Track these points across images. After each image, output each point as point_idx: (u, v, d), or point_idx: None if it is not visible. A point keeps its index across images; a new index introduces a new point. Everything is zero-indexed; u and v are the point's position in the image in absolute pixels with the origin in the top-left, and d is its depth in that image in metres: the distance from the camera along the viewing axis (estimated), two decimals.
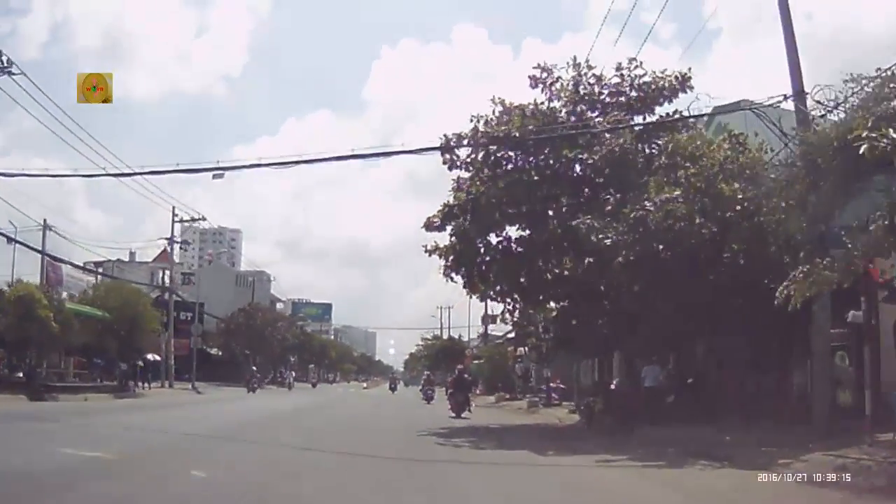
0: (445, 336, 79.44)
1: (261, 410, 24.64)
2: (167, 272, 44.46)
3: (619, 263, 15.21)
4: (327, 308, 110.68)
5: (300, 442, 13.68)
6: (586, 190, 18.59)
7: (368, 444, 13.73)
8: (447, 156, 19.02)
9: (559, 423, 22.23)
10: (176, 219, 41.06)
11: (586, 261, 17.33)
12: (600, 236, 15.36)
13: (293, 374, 65.42)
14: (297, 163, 17.45)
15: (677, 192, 14.50)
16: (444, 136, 18.66)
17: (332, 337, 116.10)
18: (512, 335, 37.98)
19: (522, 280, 20.07)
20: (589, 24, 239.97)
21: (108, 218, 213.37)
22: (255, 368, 56.11)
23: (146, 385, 35.72)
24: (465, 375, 28.15)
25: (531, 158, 18.64)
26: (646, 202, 14.71)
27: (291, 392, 48.42)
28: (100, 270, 45.29)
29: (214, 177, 36.55)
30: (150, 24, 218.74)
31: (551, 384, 32.15)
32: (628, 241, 14.80)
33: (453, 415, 23.91)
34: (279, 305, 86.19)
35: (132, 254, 62.74)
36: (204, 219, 42.32)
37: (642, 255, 14.69)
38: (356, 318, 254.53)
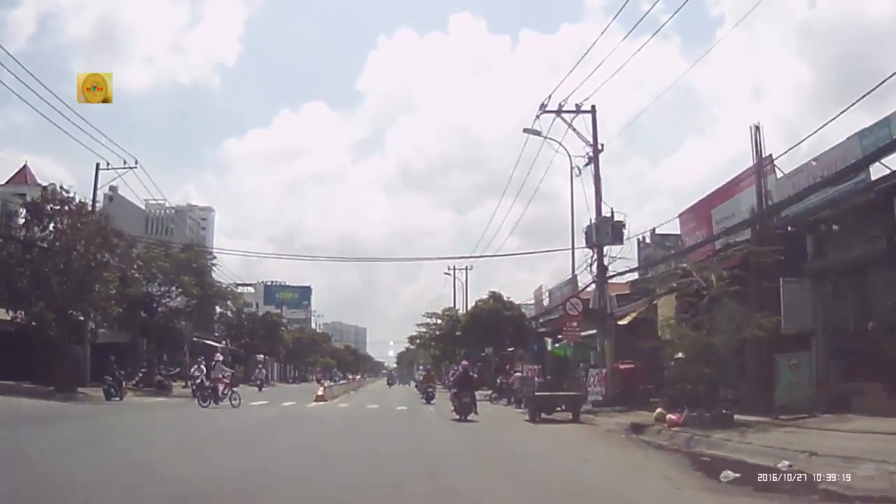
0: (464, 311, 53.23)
1: None
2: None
3: None
4: (306, 292, 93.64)
5: None
6: None
7: None
8: None
9: None
10: None
11: None
12: None
13: (164, 368, 37.25)
14: None
15: None
16: None
17: (314, 326, 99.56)
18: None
19: None
20: (587, 14, 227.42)
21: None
22: (221, 358, 26.82)
23: None
24: (471, 373, 24.36)
25: None
26: None
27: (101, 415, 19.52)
28: None
29: None
30: (141, 14, 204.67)
31: None
32: None
33: (457, 416, 20.57)
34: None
35: None
36: None
37: None
38: (347, 315, 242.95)
